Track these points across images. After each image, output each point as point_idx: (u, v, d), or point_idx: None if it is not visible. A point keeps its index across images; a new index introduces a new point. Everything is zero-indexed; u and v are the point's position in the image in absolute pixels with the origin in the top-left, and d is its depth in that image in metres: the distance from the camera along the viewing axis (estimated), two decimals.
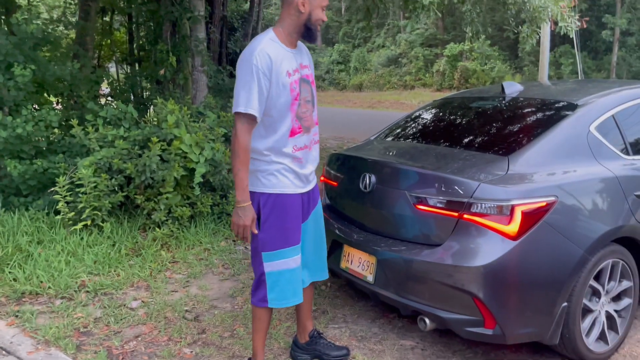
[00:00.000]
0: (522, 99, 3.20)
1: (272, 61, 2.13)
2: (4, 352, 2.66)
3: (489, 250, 2.31)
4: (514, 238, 2.29)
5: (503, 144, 2.75)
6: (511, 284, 2.34)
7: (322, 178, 3.30)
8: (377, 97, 24.66)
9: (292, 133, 2.24)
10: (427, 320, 2.48)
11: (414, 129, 3.50)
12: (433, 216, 2.47)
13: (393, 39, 30.66)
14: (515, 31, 7.95)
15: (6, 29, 5.09)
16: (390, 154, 3.02)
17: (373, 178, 2.74)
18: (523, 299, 2.36)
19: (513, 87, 3.30)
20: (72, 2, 8.80)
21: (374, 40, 31.82)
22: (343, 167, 3.08)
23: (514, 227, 2.28)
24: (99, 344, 2.82)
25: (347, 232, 2.89)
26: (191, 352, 2.77)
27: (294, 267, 2.33)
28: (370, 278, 2.68)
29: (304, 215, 2.40)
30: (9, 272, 3.50)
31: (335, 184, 3.10)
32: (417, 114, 3.70)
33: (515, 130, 2.88)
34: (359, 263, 2.76)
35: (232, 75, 8.23)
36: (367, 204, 2.80)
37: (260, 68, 2.10)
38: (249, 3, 9.45)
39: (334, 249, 2.94)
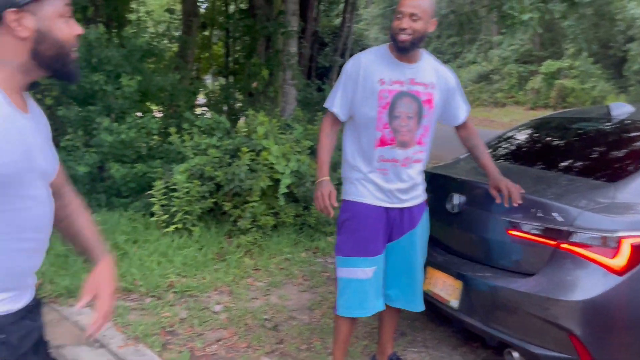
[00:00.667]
0: (631, 121, 2.94)
1: (362, 66, 2.21)
2: (97, 344, 2.84)
3: (590, 284, 2.12)
4: (619, 273, 2.09)
5: (608, 169, 2.54)
6: (614, 323, 2.13)
7: None
8: None
9: (382, 143, 2.23)
10: (514, 354, 2.33)
11: (508, 149, 3.33)
12: (527, 243, 2.32)
13: (485, 54, 29.75)
14: (623, 49, 7.38)
15: (117, 41, 5.51)
16: (481, 174, 2.89)
17: (461, 199, 2.64)
18: (627, 340, 2.15)
19: (621, 109, 3.04)
20: (176, 17, 9.40)
21: (465, 55, 31.04)
22: (429, 185, 2.99)
23: (620, 261, 2.08)
24: (183, 345, 2.93)
25: (432, 254, 2.79)
26: None
27: (363, 279, 2.30)
28: (454, 303, 2.56)
29: (394, 233, 2.35)
30: None
31: None
32: (511, 133, 3.53)
33: (622, 155, 2.65)
34: (443, 286, 2.65)
35: (320, 89, 8.37)
36: (454, 225, 2.69)
37: (349, 71, 2.24)
38: (341, 19, 9.58)
39: None
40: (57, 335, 2.90)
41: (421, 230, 2.43)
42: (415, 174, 2.32)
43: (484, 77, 28.34)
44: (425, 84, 2.24)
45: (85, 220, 1.34)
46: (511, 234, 2.37)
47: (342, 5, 9.93)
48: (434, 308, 2.91)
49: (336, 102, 2.29)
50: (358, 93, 2.22)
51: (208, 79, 11.09)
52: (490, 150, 3.29)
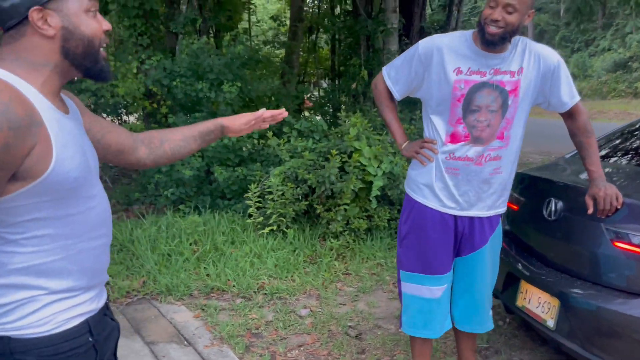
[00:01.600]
0: None
1: (437, 51, 1.95)
2: (185, 342, 2.96)
3: None
4: None
5: None
6: None
7: None
8: (599, 106, 21.73)
9: (454, 139, 1.99)
10: None
11: (627, 148, 2.89)
12: (637, 258, 1.96)
13: (622, 40, 26.75)
14: None
15: (221, 50, 5.78)
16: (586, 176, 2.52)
17: (560, 204, 2.32)
18: None
19: None
20: (283, 24, 9.70)
21: (598, 43, 28.20)
22: (526, 188, 2.69)
23: None
24: (265, 348, 2.94)
25: (526, 266, 2.50)
26: None
27: (428, 297, 2.09)
28: (550, 323, 2.26)
29: (462, 248, 2.10)
30: (204, 268, 3.92)
31: (516, 207, 2.72)
32: (633, 128, 3.05)
33: None
34: (538, 304, 2.36)
35: None
36: (552, 234, 2.38)
37: (420, 52, 1.99)
38: (446, 12, 9.17)
39: (510, 283, 2.57)
40: (151, 331, 3.07)
41: (493, 247, 2.13)
42: (492, 176, 2.02)
43: (620, 65, 25.51)
44: (512, 71, 1.94)
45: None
46: (617, 246, 2.03)
47: None
48: (529, 327, 2.61)
49: (392, 71, 2.09)
50: (431, 78, 1.97)
51: (323, 85, 11.26)
52: (608, 146, 2.87)
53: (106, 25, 1.09)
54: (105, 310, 1.18)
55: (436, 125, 2.02)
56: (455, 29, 8.66)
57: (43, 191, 0.98)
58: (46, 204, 1.00)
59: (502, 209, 2.12)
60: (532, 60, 1.96)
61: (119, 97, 5.27)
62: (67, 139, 1.02)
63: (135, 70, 5.36)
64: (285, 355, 2.87)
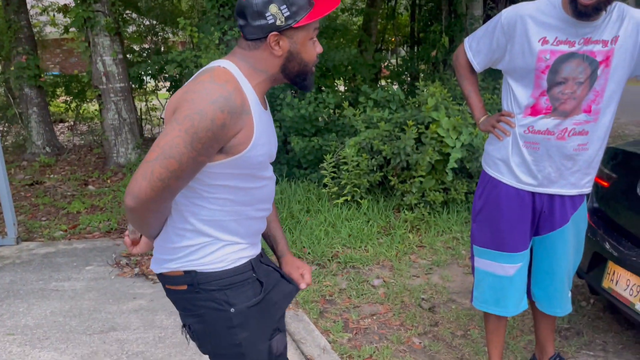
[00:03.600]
0: None
1: (520, 19, 1.84)
2: None
3: None
4: None
5: None
6: None
7: None
8: None
9: (534, 111, 1.87)
10: None
11: None
12: None
13: None
14: None
15: None
16: None
17: None
18: None
19: None
20: None
21: None
22: (618, 164, 2.50)
23: None
24: (339, 315, 3.01)
25: (614, 246, 2.35)
26: (420, 343, 2.72)
27: (501, 275, 2.02)
28: (639, 307, 2.13)
29: (541, 226, 2.00)
30: None
31: (607, 184, 2.55)
32: None
33: None
34: (627, 286, 2.22)
35: None
36: None
37: (503, 22, 1.89)
38: None
39: (596, 264, 2.44)
40: None
41: (576, 227, 2.00)
42: (576, 152, 1.88)
43: None
44: (605, 40, 1.79)
45: (276, 219, 1.60)
46: None
47: None
48: (615, 309, 2.48)
49: (473, 43, 2.03)
50: (514, 48, 1.87)
51: (402, 53, 11.01)
52: None
53: (319, 49, 1.31)
54: (260, 257, 1.45)
55: (517, 96, 1.91)
56: None
57: (237, 166, 1.23)
58: (235, 176, 1.25)
59: (588, 189, 1.98)
60: (630, 28, 1.78)
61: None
62: (263, 129, 1.26)
63: (217, 41, 5.51)
64: (358, 323, 2.93)
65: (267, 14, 1.20)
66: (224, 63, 1.25)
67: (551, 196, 1.95)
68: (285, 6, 1.20)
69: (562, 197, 1.95)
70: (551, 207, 1.96)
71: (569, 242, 1.99)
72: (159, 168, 1.13)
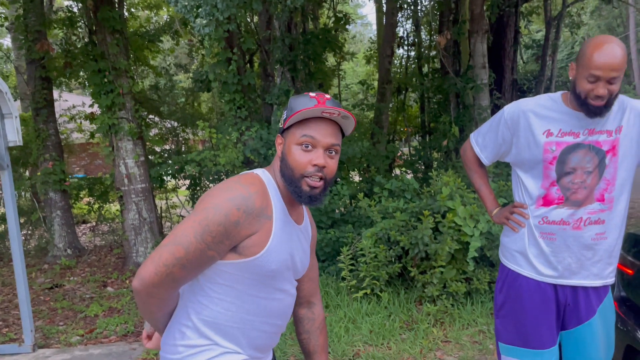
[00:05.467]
0: None
1: (523, 115, 1.90)
2: None
3: None
4: None
5: None
6: None
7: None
8: None
9: (546, 202, 1.87)
10: None
11: None
12: None
13: None
14: None
15: None
16: None
17: None
18: None
19: None
20: (371, 88, 9.94)
21: None
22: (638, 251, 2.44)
23: None
24: None
25: None
26: None
27: None
28: None
29: (568, 321, 1.92)
30: None
31: (631, 272, 2.47)
32: None
33: None
34: None
35: None
36: None
37: (506, 117, 1.96)
38: (540, 63, 8.91)
39: (631, 357, 2.29)
40: None
41: (604, 319, 1.92)
42: (594, 242, 1.85)
43: None
44: (609, 130, 1.83)
45: (323, 341, 1.55)
46: None
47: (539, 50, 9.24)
48: None
49: (479, 139, 2.08)
50: (520, 142, 1.91)
51: (414, 142, 11.27)
52: None
53: (316, 160, 1.27)
54: None
55: (528, 187, 1.93)
56: (550, 79, 8.37)
57: (247, 269, 1.22)
58: (245, 280, 1.23)
59: (611, 280, 1.92)
60: (632, 118, 1.84)
61: (220, 166, 5.62)
62: (284, 238, 1.26)
63: (235, 140, 5.73)
64: None
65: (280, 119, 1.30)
66: (258, 170, 1.31)
67: (574, 288, 1.89)
68: (286, 110, 1.29)
69: (585, 288, 1.89)
70: (575, 300, 1.89)
71: (599, 335, 1.89)
72: (166, 254, 1.14)
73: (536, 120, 1.88)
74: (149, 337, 1.37)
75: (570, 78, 1.85)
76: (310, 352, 1.56)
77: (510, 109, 1.95)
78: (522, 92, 9.78)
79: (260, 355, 1.34)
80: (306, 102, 1.27)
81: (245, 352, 1.29)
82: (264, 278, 1.25)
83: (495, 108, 6.95)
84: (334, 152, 1.28)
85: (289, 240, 1.28)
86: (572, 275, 1.88)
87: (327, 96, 1.30)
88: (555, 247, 1.87)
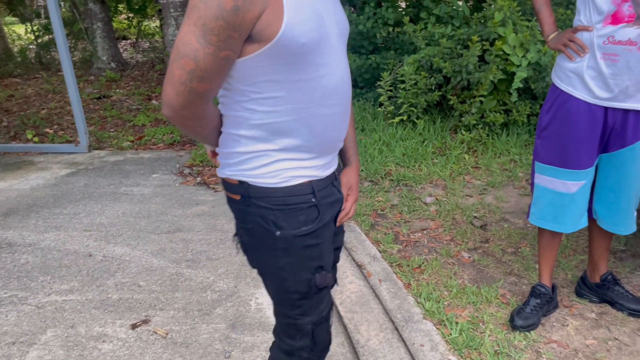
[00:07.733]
0: None
1: None
2: None
3: None
4: None
5: None
6: None
7: None
8: None
9: (615, 19, 1.74)
10: None
11: None
12: None
13: None
14: None
15: None
16: None
17: None
18: None
19: None
20: None
21: None
22: None
23: None
24: (390, 228, 3.09)
25: None
26: (469, 257, 2.77)
27: (562, 192, 1.97)
28: None
29: (611, 143, 1.91)
30: None
31: None
32: None
33: None
34: None
35: None
36: None
37: None
38: None
39: None
40: None
41: None
42: None
43: None
44: None
45: (351, 124, 1.42)
46: None
47: None
48: None
49: None
50: None
51: None
52: None
53: None
54: (333, 180, 1.26)
55: (597, 3, 1.78)
56: None
57: (276, 54, 1.03)
58: (280, 67, 1.05)
59: None
60: None
61: None
62: (301, 4, 1.03)
63: None
64: (408, 236, 3.01)
65: None
66: None
67: (626, 111, 1.86)
68: None
69: (637, 112, 1.85)
70: (624, 123, 1.87)
71: (638, 159, 1.92)
72: (177, 70, 1.00)
73: None
74: (215, 155, 1.28)
75: None
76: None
77: None
78: None
79: (322, 151, 1.20)
80: None
81: (307, 149, 1.16)
82: (298, 57, 1.05)
83: None
84: None
85: (310, 3, 1.05)
86: (627, 99, 1.83)
87: None
88: (616, 69, 1.79)
